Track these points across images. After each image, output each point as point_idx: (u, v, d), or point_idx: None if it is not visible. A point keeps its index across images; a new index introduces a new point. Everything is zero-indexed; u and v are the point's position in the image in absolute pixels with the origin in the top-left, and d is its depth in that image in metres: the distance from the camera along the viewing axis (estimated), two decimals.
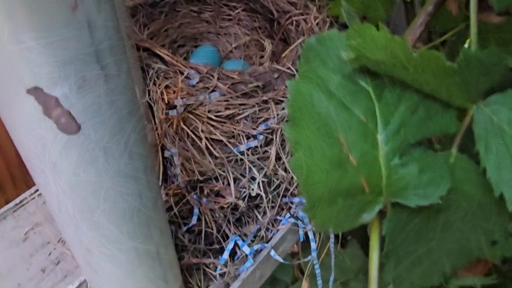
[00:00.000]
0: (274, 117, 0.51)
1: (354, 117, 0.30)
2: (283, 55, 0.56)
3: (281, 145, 0.52)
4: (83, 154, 0.30)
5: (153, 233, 0.39)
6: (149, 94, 0.51)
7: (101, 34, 0.28)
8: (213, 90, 0.50)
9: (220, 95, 0.50)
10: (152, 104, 0.51)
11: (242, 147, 0.50)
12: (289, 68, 0.52)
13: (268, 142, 0.52)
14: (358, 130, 0.30)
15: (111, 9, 0.27)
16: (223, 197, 0.54)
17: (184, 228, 0.56)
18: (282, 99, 0.52)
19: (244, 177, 0.53)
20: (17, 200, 0.58)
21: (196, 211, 0.55)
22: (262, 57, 0.67)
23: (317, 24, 0.58)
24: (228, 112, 0.49)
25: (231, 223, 0.56)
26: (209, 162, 0.50)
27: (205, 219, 0.55)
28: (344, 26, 0.61)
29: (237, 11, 0.67)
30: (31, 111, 0.27)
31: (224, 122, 0.50)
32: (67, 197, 0.31)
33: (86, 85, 0.28)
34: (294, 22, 0.59)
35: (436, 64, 0.25)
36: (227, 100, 0.49)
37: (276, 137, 0.51)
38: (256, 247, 0.53)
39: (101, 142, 0.30)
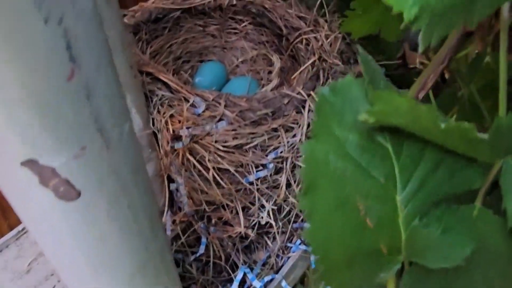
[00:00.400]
0: (284, 145, 0.49)
1: (372, 179, 0.28)
2: (293, 76, 0.54)
3: (292, 172, 0.50)
4: (85, 217, 0.28)
5: (161, 280, 0.38)
6: (153, 123, 0.49)
7: (100, 100, 0.25)
8: (220, 119, 0.48)
9: (227, 124, 0.47)
10: (157, 132, 0.49)
11: (251, 177, 0.48)
12: (299, 93, 0.50)
13: (278, 170, 0.50)
14: (376, 192, 0.28)
15: (111, 73, 0.25)
16: (232, 225, 0.53)
17: (192, 257, 0.54)
18: (292, 125, 0.50)
19: (254, 205, 0.51)
20: (20, 227, 0.57)
21: (204, 240, 0.53)
22: (270, 72, 0.64)
23: (329, 42, 0.56)
24: (236, 142, 0.47)
25: (240, 250, 0.54)
26: (217, 193, 0.48)
27: (213, 248, 0.53)
28: (357, 43, 0.58)
29: (243, 24, 0.65)
30: (26, 181, 0.25)
31: (232, 152, 0.47)
32: (69, 256, 0.30)
33: (85, 153, 0.26)
34: (304, 41, 0.56)
35: (466, 136, 0.22)
36: (235, 130, 0.47)
37: (286, 165, 0.49)
38: (266, 278, 0.51)
39: (103, 205, 0.29)
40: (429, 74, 0.34)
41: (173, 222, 0.54)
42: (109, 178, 0.28)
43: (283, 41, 0.60)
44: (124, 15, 0.60)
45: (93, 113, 0.25)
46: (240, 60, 0.67)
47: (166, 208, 0.54)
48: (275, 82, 0.61)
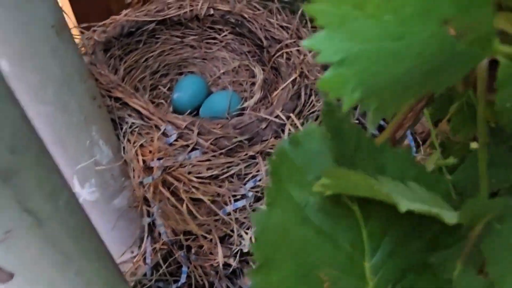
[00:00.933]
0: (263, 173, 0.46)
1: (337, 246, 0.25)
2: (274, 95, 0.50)
3: None
4: None
5: None
6: (124, 151, 0.46)
7: (24, 181, 0.23)
8: (194, 148, 0.45)
9: (201, 154, 0.44)
10: (128, 162, 0.46)
11: (229, 208, 0.46)
12: (278, 116, 0.46)
13: (258, 198, 0.47)
14: (342, 261, 0.25)
15: (36, 150, 0.22)
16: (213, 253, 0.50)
17: (174, 286, 0.52)
18: (271, 151, 0.46)
19: (234, 232, 0.48)
20: None
21: (184, 269, 0.51)
22: (253, 84, 0.61)
23: (312, 54, 0.52)
24: (210, 172, 0.44)
25: (224, 277, 0.52)
26: (193, 224, 0.46)
27: (195, 277, 0.51)
28: None
29: (223, 34, 0.61)
30: None
31: (208, 183, 0.45)
32: None
33: (12, 236, 0.23)
34: (285, 54, 0.52)
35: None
36: (209, 160, 0.44)
37: None
38: None
39: (44, 280, 0.26)
40: (406, 112, 0.30)
41: (153, 249, 0.52)
42: (46, 252, 0.26)
43: (265, 52, 0.56)
44: (94, 31, 0.56)
45: (15, 195, 0.22)
46: (221, 71, 0.63)
47: (145, 235, 0.52)
48: (257, 96, 0.57)
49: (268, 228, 0.24)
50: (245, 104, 0.58)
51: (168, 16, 0.58)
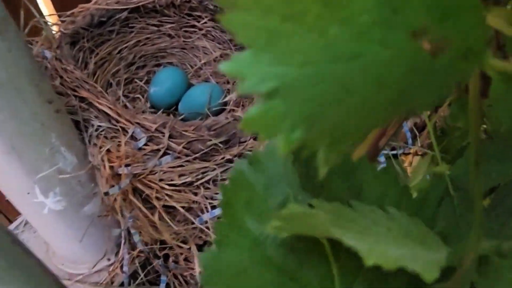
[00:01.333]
0: None
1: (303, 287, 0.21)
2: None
3: None
4: None
5: None
6: (91, 156, 0.43)
7: None
8: (165, 152, 0.41)
9: (172, 159, 0.41)
10: (95, 169, 0.42)
11: (206, 216, 0.42)
12: None
13: None
14: None
15: None
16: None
17: None
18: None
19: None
20: None
21: (164, 278, 0.48)
22: None
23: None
24: (183, 179, 0.40)
25: None
26: (167, 234, 0.42)
27: (174, 286, 0.48)
28: None
29: (203, 21, 0.56)
30: None
31: (181, 191, 0.41)
32: None
33: None
34: None
35: None
36: (182, 165, 0.41)
37: None
38: None
39: None
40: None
41: (131, 257, 0.49)
42: None
43: None
44: (62, 21, 0.52)
45: None
46: (202, 61, 0.59)
47: (123, 241, 0.49)
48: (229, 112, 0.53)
49: (219, 272, 0.20)
50: (227, 98, 0.54)
51: (141, 3, 0.54)
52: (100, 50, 0.54)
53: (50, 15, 0.52)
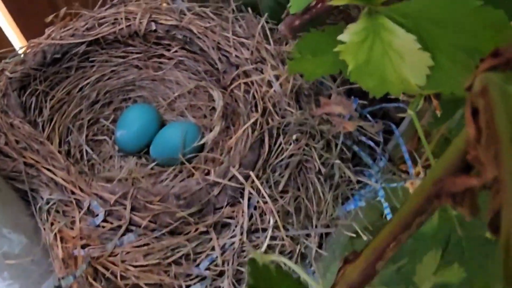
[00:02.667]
0: (220, 249, 0.36)
1: None
2: (229, 143, 0.40)
3: (237, 281, 0.37)
4: None
5: None
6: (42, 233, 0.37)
7: None
8: (127, 229, 0.35)
9: (136, 237, 0.35)
10: (48, 249, 0.36)
11: None
12: (233, 177, 0.36)
13: (219, 273, 0.38)
14: None
15: None
16: None
17: None
18: (228, 221, 0.37)
19: None
20: None
21: None
22: (213, 109, 0.50)
23: (279, 82, 0.41)
24: (150, 259, 0.35)
25: None
26: None
27: None
28: (309, 94, 0.43)
29: (173, 50, 0.49)
30: None
31: (149, 271, 0.35)
32: None
33: None
34: (243, 86, 0.41)
35: None
36: (147, 244, 0.35)
37: (227, 273, 0.37)
38: None
39: None
40: (388, 240, 0.20)
41: None
42: None
43: (221, 76, 0.45)
44: (6, 63, 0.45)
45: None
46: (176, 94, 0.52)
47: None
48: (217, 128, 0.46)
49: None
50: (204, 139, 0.48)
51: (101, 35, 0.47)
52: (56, 91, 0.48)
53: None
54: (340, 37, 0.28)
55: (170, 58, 0.50)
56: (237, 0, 0.53)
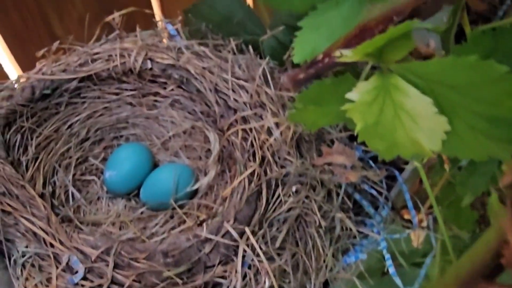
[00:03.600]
0: None
1: None
2: (223, 193, 0.37)
3: None
4: None
5: None
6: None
7: None
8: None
9: None
10: None
11: None
12: (227, 233, 0.33)
13: None
14: None
15: None
16: None
17: None
18: (220, 281, 0.34)
19: None
20: None
21: None
22: (209, 150, 0.48)
23: (280, 130, 0.39)
24: None
25: None
26: None
27: None
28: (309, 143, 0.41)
29: (169, 88, 0.47)
30: None
31: None
32: None
33: None
34: (241, 132, 0.39)
35: None
36: None
37: None
38: None
39: None
40: None
41: None
42: None
43: (218, 119, 0.43)
44: None
45: None
46: (171, 133, 0.50)
47: None
48: (212, 173, 0.44)
49: None
50: (197, 185, 0.45)
51: (94, 71, 0.45)
52: (44, 128, 0.45)
53: None
54: (349, 96, 0.25)
55: (165, 97, 0.48)
56: (237, 38, 0.52)
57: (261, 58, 0.51)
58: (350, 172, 0.43)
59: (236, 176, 0.37)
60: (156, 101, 0.49)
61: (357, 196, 0.47)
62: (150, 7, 0.70)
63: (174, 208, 0.44)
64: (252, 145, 0.38)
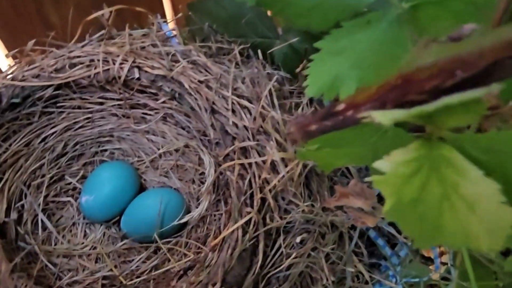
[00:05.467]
0: None
1: None
2: (211, 244, 0.30)
3: None
4: None
5: None
6: None
7: None
8: None
9: None
10: None
11: None
12: None
13: None
14: None
15: None
16: None
17: None
18: None
19: None
20: None
21: None
22: (203, 174, 0.41)
23: (288, 170, 0.32)
24: None
25: None
26: None
27: None
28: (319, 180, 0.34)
29: (161, 100, 0.41)
30: None
31: None
32: None
33: None
34: (238, 168, 0.32)
35: None
36: None
37: None
38: None
39: None
40: None
41: None
42: None
43: (213, 147, 0.36)
44: None
45: None
46: (161, 150, 0.43)
47: None
48: (204, 205, 0.37)
49: None
50: (187, 217, 0.38)
51: (72, 78, 0.38)
52: (11, 143, 0.39)
53: None
54: (378, 165, 0.18)
55: (156, 109, 0.41)
56: (245, 41, 0.45)
57: (272, 63, 0.44)
58: (367, 217, 0.36)
59: (230, 220, 0.31)
60: (145, 113, 0.42)
61: (372, 233, 0.40)
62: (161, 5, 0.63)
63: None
64: (250, 185, 0.31)
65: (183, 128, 0.42)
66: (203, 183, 0.42)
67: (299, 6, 0.26)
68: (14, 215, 0.37)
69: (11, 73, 0.39)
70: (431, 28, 0.24)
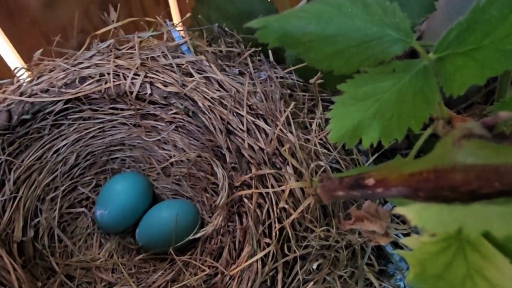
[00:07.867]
0: None
1: None
2: (231, 272, 0.31)
3: None
4: None
5: None
6: None
7: None
8: None
9: None
10: None
11: None
12: None
13: None
14: None
15: None
16: None
17: None
18: None
19: None
20: None
21: None
22: (215, 184, 0.41)
23: (307, 203, 0.32)
24: None
25: None
26: None
27: None
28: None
29: (172, 112, 0.40)
30: None
31: None
32: None
33: None
34: (256, 197, 0.32)
35: None
36: None
37: None
38: None
39: None
40: None
41: None
42: None
43: (229, 171, 0.36)
44: None
45: None
46: (173, 159, 0.43)
47: None
48: (219, 219, 0.38)
49: None
50: (201, 232, 0.39)
51: (82, 93, 0.37)
52: (23, 158, 0.38)
53: None
54: (407, 242, 0.18)
55: (168, 121, 0.41)
56: (254, 40, 0.43)
57: (283, 62, 0.43)
58: (381, 237, 0.36)
59: (246, 241, 0.31)
60: (157, 123, 0.42)
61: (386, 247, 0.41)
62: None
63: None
64: (268, 215, 0.31)
65: (196, 139, 0.42)
66: (215, 192, 0.42)
67: (321, 52, 0.25)
68: (31, 233, 0.38)
69: (19, 87, 0.38)
70: (457, 78, 0.23)
